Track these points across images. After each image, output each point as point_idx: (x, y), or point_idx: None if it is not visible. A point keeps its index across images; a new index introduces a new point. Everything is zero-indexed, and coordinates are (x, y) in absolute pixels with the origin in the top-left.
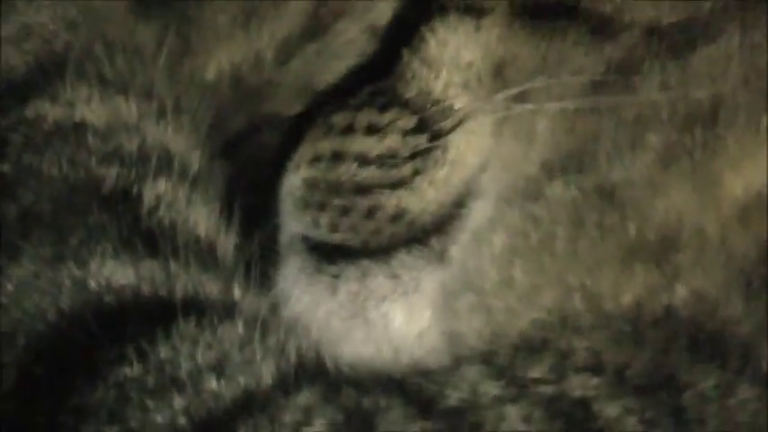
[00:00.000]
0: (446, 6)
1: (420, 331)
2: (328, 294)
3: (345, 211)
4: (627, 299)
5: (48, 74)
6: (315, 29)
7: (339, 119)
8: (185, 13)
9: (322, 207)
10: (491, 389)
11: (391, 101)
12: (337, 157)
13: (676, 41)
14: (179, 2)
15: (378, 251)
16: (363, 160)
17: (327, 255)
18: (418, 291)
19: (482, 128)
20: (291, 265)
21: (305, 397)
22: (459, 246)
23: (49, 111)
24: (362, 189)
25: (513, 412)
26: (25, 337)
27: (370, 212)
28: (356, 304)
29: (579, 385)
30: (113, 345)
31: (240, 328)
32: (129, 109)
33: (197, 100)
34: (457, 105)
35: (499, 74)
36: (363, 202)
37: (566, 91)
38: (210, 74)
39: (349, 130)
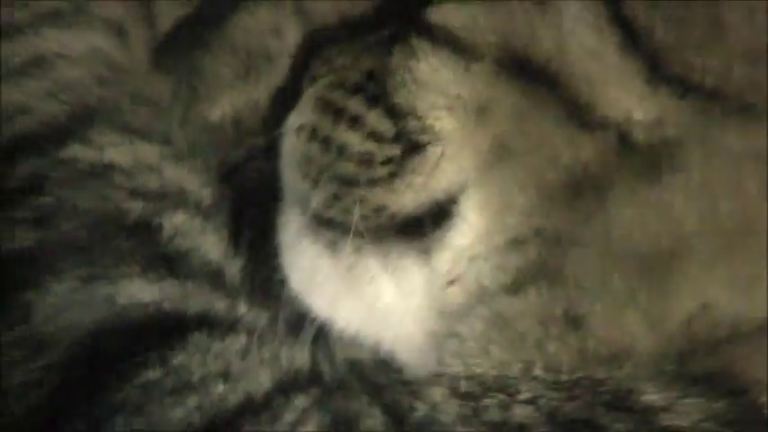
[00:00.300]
0: (437, 37)
1: (406, 314)
2: (325, 261)
3: (335, 195)
4: (572, 374)
5: (82, 122)
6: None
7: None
8: (195, 67)
9: (315, 184)
10: (451, 408)
11: (381, 95)
12: (327, 142)
13: (646, 160)
14: (190, 58)
15: (369, 232)
16: (345, 154)
17: (326, 222)
18: (407, 277)
19: (463, 152)
20: (291, 221)
21: (301, 400)
22: (442, 251)
23: (82, 153)
24: (346, 180)
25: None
26: (67, 344)
27: (356, 201)
28: (351, 275)
29: (521, 414)
30: (139, 352)
31: (243, 339)
32: (150, 152)
33: (205, 141)
34: (438, 126)
35: (483, 113)
36: (348, 192)
37: (540, 176)
38: (215, 116)
39: (339, 114)
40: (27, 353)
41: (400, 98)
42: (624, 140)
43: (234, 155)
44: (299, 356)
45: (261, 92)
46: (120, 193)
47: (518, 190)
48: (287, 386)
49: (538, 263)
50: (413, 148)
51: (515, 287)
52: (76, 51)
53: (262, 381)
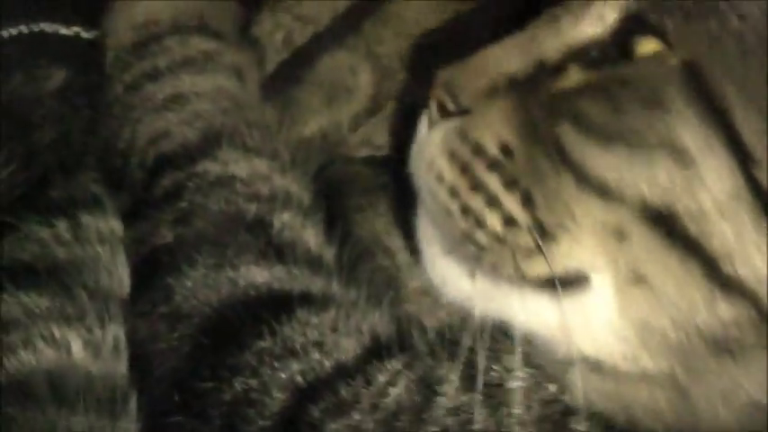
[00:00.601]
0: (580, 176)
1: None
2: (466, 282)
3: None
4: None
5: (210, 144)
6: (374, 108)
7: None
8: (292, 98)
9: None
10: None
11: (518, 179)
12: (466, 210)
13: None
14: (288, 92)
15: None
16: (483, 227)
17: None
18: (538, 311)
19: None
20: (433, 241)
21: (393, 364)
22: (574, 305)
23: (211, 167)
24: (481, 246)
25: None
26: (198, 318)
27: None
28: (488, 296)
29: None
30: (254, 324)
31: (333, 314)
32: (262, 165)
33: (302, 154)
34: (575, 231)
35: (622, 238)
36: (485, 253)
37: (677, 322)
38: (307, 133)
39: (478, 186)
40: (168, 326)
41: (538, 197)
42: (759, 308)
43: (320, 160)
44: (380, 327)
45: (342, 117)
46: (240, 197)
47: (652, 321)
48: (374, 353)
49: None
50: (547, 234)
51: (628, 383)
52: (206, 89)
53: (349, 349)
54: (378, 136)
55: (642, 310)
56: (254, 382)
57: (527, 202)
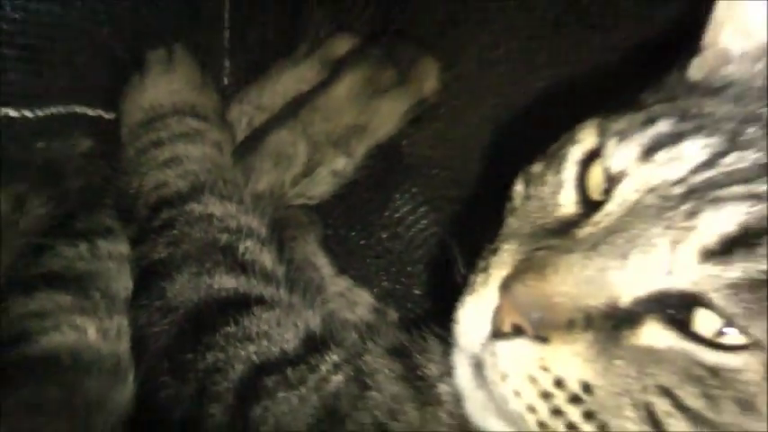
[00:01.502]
0: None
1: None
2: (486, 404)
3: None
4: None
5: (196, 191)
6: (307, 172)
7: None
8: (251, 163)
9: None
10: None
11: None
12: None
13: None
14: (247, 159)
15: None
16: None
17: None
18: None
19: None
20: (466, 370)
21: (333, 357)
22: None
23: (196, 208)
24: None
25: None
26: (183, 310)
27: None
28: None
29: None
30: (223, 316)
31: (278, 313)
32: (232, 208)
33: (258, 202)
34: None
35: None
36: None
37: None
38: (260, 188)
39: (557, 413)
40: (161, 315)
41: (613, 428)
42: None
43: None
44: (312, 323)
45: (285, 176)
46: (216, 229)
47: None
48: (309, 343)
49: None
50: None
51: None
52: (195, 155)
53: (289, 339)
54: (309, 191)
55: None
56: (221, 356)
57: (602, 429)
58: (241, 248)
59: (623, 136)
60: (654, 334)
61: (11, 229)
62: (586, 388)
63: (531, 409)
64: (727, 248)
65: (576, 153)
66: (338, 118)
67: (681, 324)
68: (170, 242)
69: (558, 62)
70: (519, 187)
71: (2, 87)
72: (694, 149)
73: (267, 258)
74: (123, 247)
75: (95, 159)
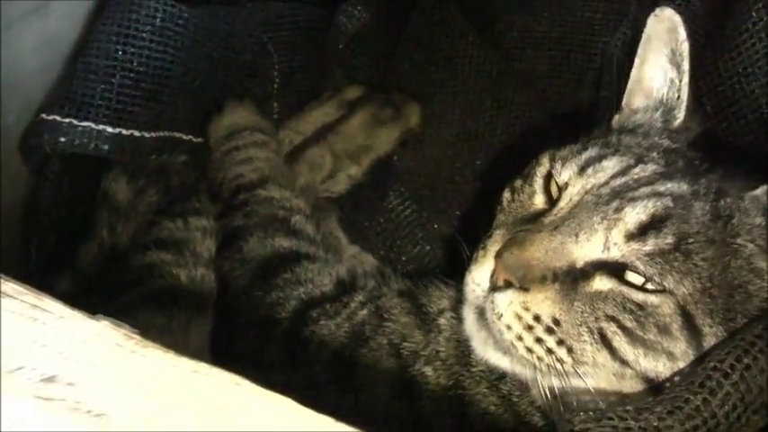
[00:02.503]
0: None
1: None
2: (507, 362)
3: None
4: None
5: (262, 181)
6: (331, 176)
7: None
8: (293, 168)
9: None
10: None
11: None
12: (530, 350)
13: None
14: (292, 165)
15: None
16: (535, 352)
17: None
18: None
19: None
20: (472, 316)
21: (360, 295)
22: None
23: (262, 192)
24: (538, 357)
25: None
26: (255, 261)
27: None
28: (517, 370)
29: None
30: (282, 265)
31: (318, 265)
32: (286, 193)
33: (301, 192)
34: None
35: None
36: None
37: (612, 390)
38: (301, 183)
39: (539, 340)
40: (240, 264)
41: (577, 351)
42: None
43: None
44: (341, 273)
45: (316, 177)
46: (275, 207)
47: (610, 397)
48: (340, 287)
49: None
50: (578, 363)
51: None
52: (261, 156)
53: (326, 284)
54: (332, 188)
55: (610, 386)
56: (282, 294)
57: (570, 352)
58: (292, 221)
59: (565, 160)
60: (601, 282)
61: (134, 210)
62: (556, 322)
63: (519, 338)
64: (643, 231)
65: (540, 171)
66: (353, 140)
67: (618, 275)
68: (245, 215)
69: (500, 106)
70: (506, 194)
71: (130, 116)
72: (611, 164)
73: (310, 228)
74: (206, 222)
75: (189, 167)
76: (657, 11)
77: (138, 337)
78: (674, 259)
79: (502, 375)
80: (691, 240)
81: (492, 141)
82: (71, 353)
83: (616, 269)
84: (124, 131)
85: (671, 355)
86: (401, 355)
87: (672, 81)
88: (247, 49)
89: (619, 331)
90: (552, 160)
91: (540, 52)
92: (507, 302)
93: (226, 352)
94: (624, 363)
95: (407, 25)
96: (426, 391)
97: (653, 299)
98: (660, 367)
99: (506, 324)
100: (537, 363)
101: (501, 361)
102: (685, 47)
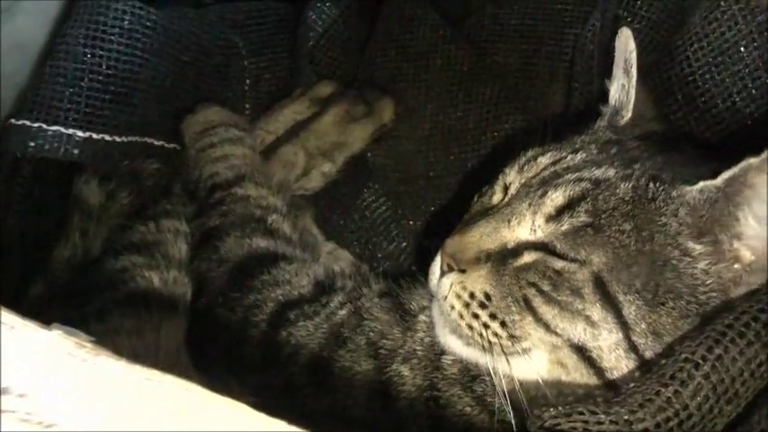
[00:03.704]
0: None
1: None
2: (462, 346)
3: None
4: None
5: (238, 179)
6: (305, 173)
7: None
8: (269, 166)
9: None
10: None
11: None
12: (470, 327)
13: None
14: (267, 163)
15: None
16: (481, 336)
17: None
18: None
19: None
20: (436, 305)
21: (339, 297)
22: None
23: (239, 191)
24: (479, 333)
25: None
26: (232, 262)
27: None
28: (472, 355)
29: None
30: (259, 267)
31: (296, 266)
32: (263, 191)
33: (278, 190)
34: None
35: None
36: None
37: (568, 377)
38: (275, 181)
39: (476, 316)
40: (216, 265)
41: (509, 324)
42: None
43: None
44: (318, 274)
45: (290, 176)
46: (252, 206)
47: (561, 376)
48: (318, 288)
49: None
50: (514, 338)
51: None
52: (237, 153)
53: (304, 285)
54: (306, 185)
55: (557, 370)
56: (259, 297)
57: (503, 325)
58: (269, 220)
59: (511, 166)
60: (528, 256)
61: (106, 213)
62: (487, 296)
63: (461, 316)
64: (559, 213)
65: (502, 177)
66: (326, 137)
67: (543, 248)
68: (221, 214)
69: (472, 100)
70: (474, 199)
71: (100, 120)
72: (545, 159)
73: (287, 227)
74: (178, 224)
75: (160, 171)
76: (619, 32)
77: (90, 345)
78: (587, 234)
79: (475, 376)
80: (605, 216)
81: (465, 135)
82: (22, 363)
83: (541, 248)
84: (95, 135)
85: (588, 320)
86: (379, 356)
87: (623, 86)
88: (217, 50)
89: (538, 294)
90: (510, 166)
91: (512, 45)
92: (449, 284)
93: (202, 354)
94: (548, 329)
95: (378, 20)
96: (403, 392)
97: (571, 266)
98: (582, 332)
99: (450, 304)
100: (479, 340)
101: (456, 345)
102: (633, 56)
